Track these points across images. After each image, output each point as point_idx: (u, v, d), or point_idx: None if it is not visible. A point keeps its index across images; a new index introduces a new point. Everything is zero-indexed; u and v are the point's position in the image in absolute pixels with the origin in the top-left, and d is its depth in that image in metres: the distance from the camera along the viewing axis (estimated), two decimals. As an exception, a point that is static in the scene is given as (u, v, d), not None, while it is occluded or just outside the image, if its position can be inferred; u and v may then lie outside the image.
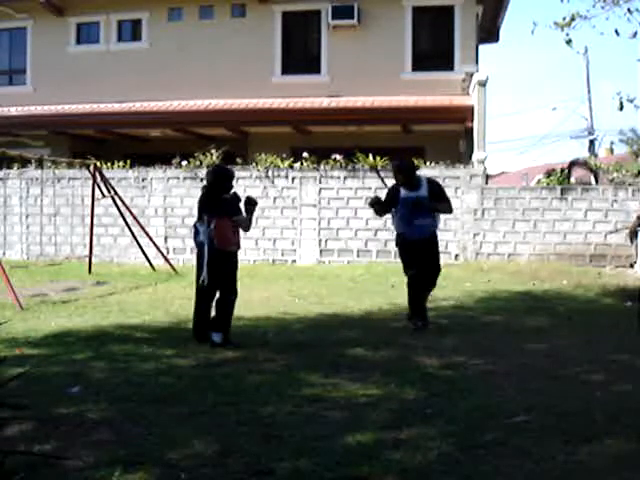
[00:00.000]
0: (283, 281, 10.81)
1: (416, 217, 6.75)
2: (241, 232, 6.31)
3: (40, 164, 14.32)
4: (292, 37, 17.38)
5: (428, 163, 13.36)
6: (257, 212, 14.31)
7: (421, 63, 16.54)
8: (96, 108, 16.70)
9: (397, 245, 7.14)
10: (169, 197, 14.14)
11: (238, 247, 6.29)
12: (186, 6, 17.43)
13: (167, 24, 17.58)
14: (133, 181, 14.30)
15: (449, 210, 7.18)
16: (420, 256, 6.81)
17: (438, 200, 6.90)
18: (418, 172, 7.18)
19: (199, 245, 6.12)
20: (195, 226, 6.20)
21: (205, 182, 6.36)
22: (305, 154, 13.69)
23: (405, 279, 6.96)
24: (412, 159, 7.58)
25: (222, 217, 5.97)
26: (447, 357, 5.49)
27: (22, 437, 3.51)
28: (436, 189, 6.99)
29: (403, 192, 6.83)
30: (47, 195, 13.87)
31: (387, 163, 13.23)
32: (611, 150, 28.83)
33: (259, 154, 13.95)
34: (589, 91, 27.80)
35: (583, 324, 7.15)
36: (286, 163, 13.69)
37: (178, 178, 14.10)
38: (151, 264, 12.30)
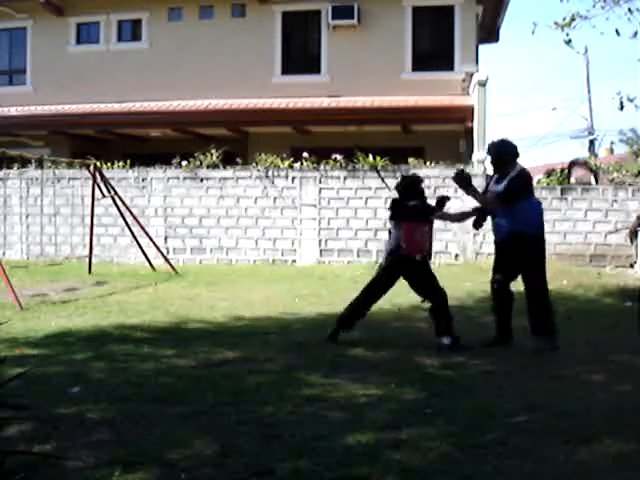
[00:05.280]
0: (283, 281, 10.81)
1: (496, 214, 5.92)
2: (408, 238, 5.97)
3: (40, 164, 14.32)
4: (292, 37, 17.38)
5: (428, 163, 13.36)
6: (257, 212, 14.36)
7: (421, 63, 16.54)
8: (96, 108, 16.69)
9: None
10: (169, 197, 14.13)
11: (424, 253, 5.99)
12: (186, 6, 17.44)
13: (167, 24, 17.59)
14: (133, 181, 14.30)
15: (487, 204, 5.95)
16: (504, 261, 5.94)
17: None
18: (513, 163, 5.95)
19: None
20: (389, 231, 6.35)
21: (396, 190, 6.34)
22: (305, 154, 13.69)
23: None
24: (508, 140, 6.15)
25: (410, 221, 5.95)
26: (447, 357, 5.49)
27: (22, 437, 3.51)
28: (506, 182, 5.79)
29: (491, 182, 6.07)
30: (47, 195, 13.86)
31: (387, 163, 13.26)
32: (611, 150, 28.85)
33: (259, 154, 13.95)
34: (589, 91, 27.86)
35: (583, 324, 7.14)
36: (286, 163, 13.69)
37: (178, 178, 14.10)
38: (151, 264, 12.29)
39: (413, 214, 5.95)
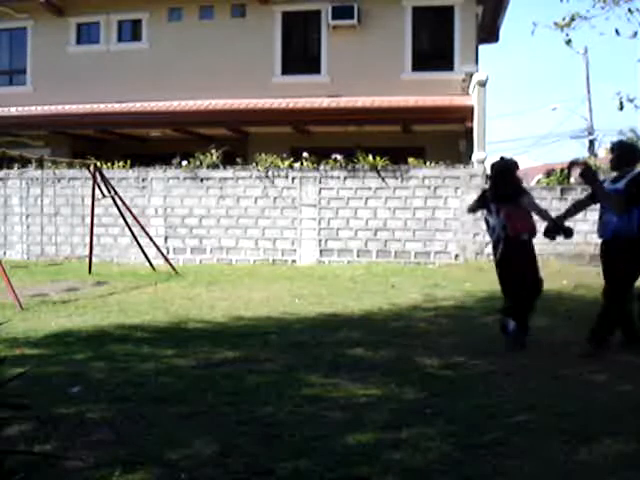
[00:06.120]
0: (283, 281, 10.81)
1: (604, 212, 5.79)
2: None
3: (40, 164, 14.31)
4: (292, 37, 17.39)
5: (428, 163, 13.36)
6: (257, 212, 14.36)
7: (421, 63, 16.55)
8: (96, 108, 16.70)
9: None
10: (169, 197, 14.14)
11: (532, 234, 6.13)
12: (186, 6, 17.45)
13: (167, 24, 17.60)
14: (133, 181, 14.30)
15: (612, 203, 5.67)
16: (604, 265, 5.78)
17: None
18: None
19: (493, 237, 6.19)
20: (486, 219, 6.32)
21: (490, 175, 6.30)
22: (305, 154, 13.70)
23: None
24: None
25: (508, 206, 5.95)
26: (447, 357, 5.49)
27: (22, 437, 3.51)
28: (626, 182, 5.65)
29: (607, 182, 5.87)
30: (47, 195, 13.86)
31: (387, 163, 13.26)
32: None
33: (259, 154, 13.95)
34: (589, 91, 27.85)
35: (583, 324, 7.11)
36: (286, 163, 13.69)
37: (178, 178, 14.10)
38: (151, 264, 12.30)
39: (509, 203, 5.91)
